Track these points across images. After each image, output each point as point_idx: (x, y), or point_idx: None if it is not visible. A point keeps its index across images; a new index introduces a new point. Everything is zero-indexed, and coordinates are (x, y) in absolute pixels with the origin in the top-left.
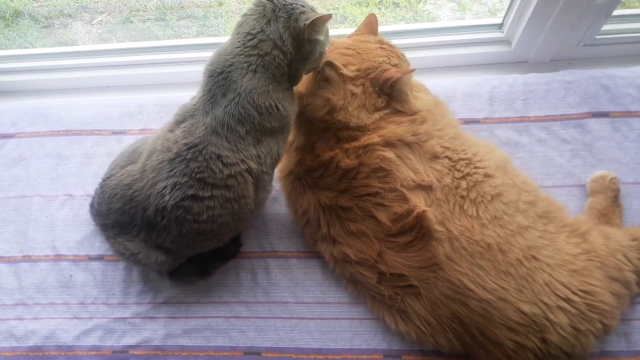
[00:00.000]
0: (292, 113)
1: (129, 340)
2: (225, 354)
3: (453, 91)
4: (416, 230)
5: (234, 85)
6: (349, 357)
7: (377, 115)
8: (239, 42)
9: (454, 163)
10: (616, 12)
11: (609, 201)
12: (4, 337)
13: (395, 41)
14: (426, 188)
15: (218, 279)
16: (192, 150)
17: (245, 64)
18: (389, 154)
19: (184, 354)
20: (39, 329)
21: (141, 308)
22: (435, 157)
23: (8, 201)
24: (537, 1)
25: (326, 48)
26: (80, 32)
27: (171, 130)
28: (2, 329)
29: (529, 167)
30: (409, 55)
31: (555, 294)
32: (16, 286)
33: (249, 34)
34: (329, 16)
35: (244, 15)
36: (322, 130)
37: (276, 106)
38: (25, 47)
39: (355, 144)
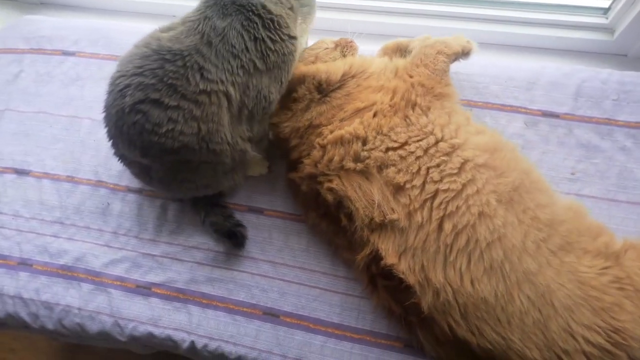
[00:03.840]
0: (298, 47)
1: (153, 277)
2: (245, 309)
3: (537, 77)
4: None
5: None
6: (369, 338)
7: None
8: None
9: (430, 195)
10: None
11: None
12: (39, 251)
13: (478, 10)
14: (393, 228)
15: (249, 233)
16: (172, 53)
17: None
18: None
19: (204, 301)
20: (71, 250)
21: (171, 248)
22: (399, 189)
23: (60, 119)
24: None
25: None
26: None
27: (162, 31)
28: (38, 243)
29: (603, 176)
30: (492, 28)
31: (574, 338)
32: (57, 204)
33: None
34: None
35: None
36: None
37: (286, 24)
38: None
39: (299, 174)
